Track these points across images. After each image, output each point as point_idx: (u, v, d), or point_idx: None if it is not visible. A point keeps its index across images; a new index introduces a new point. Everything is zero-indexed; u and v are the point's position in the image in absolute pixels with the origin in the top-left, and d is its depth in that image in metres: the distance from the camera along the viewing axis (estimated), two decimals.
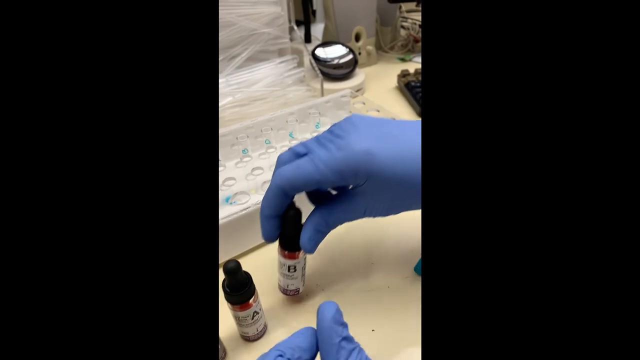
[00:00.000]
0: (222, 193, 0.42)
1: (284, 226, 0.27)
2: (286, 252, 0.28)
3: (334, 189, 0.28)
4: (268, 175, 0.44)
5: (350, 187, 0.25)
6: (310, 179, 0.23)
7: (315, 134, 0.50)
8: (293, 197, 0.26)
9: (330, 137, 0.24)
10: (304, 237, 0.26)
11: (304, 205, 0.28)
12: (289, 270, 0.29)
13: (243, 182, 0.43)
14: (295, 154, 0.25)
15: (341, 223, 0.26)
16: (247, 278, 0.26)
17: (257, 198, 0.41)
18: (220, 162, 0.46)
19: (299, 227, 0.27)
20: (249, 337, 0.29)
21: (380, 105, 0.52)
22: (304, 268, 0.30)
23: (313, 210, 0.27)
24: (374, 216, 0.26)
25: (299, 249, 0.27)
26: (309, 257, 0.31)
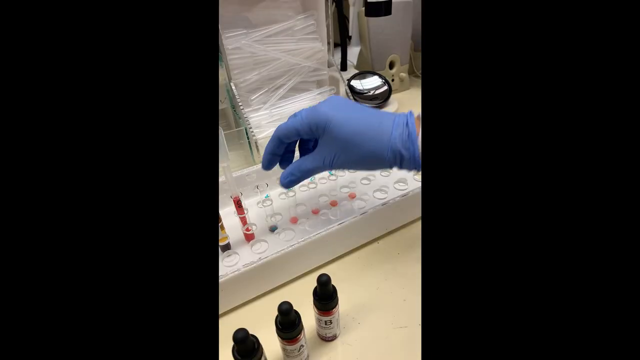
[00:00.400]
0: (268, 224, 0.46)
1: (320, 292, 0.32)
2: (322, 312, 0.33)
3: (307, 144, 0.39)
4: (308, 211, 0.48)
5: (315, 143, 0.36)
6: (293, 128, 0.35)
7: (351, 170, 0.53)
8: (286, 144, 0.37)
9: (312, 106, 0.36)
10: (282, 177, 0.37)
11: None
12: (325, 324, 0.34)
13: (287, 215, 0.47)
14: (292, 116, 0.37)
15: (309, 171, 0.36)
16: (297, 317, 0.30)
17: (301, 235, 0.45)
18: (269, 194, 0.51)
19: (328, 292, 0.32)
20: None
21: None
22: (337, 319, 0.34)
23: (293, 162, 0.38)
24: (331, 167, 0.35)
25: (332, 308, 0.32)
26: (344, 297, 0.35)
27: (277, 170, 0.51)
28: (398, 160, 0.32)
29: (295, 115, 0.37)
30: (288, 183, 0.37)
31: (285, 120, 0.36)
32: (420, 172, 0.35)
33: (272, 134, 0.37)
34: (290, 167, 0.37)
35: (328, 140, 0.34)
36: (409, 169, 0.33)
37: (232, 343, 0.27)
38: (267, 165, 0.38)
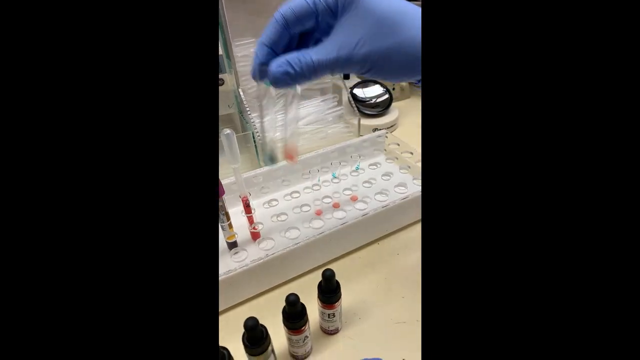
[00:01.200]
0: (274, 223, 0.48)
1: (325, 285, 0.34)
2: (326, 304, 0.34)
3: (321, 30, 0.27)
4: (312, 212, 0.50)
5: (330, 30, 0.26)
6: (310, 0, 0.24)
7: (353, 174, 0.56)
8: (290, 33, 0.26)
9: None
10: (275, 64, 0.25)
11: None
12: (328, 317, 0.35)
13: (292, 216, 0.49)
14: None
15: (313, 64, 0.25)
16: (303, 309, 0.32)
17: (305, 234, 0.47)
18: (274, 197, 0.53)
19: (332, 286, 0.33)
20: (298, 356, 0.35)
21: (414, 148, 0.57)
22: (340, 313, 0.36)
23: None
24: (345, 64, 0.25)
25: (335, 302, 0.34)
26: (346, 293, 0.37)
27: (283, 171, 0.53)
28: None
29: None
30: (281, 74, 0.25)
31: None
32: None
33: (273, 16, 0.26)
34: (288, 55, 0.25)
35: (355, 16, 0.24)
36: None
37: (241, 332, 0.29)
38: (261, 60, 0.26)
